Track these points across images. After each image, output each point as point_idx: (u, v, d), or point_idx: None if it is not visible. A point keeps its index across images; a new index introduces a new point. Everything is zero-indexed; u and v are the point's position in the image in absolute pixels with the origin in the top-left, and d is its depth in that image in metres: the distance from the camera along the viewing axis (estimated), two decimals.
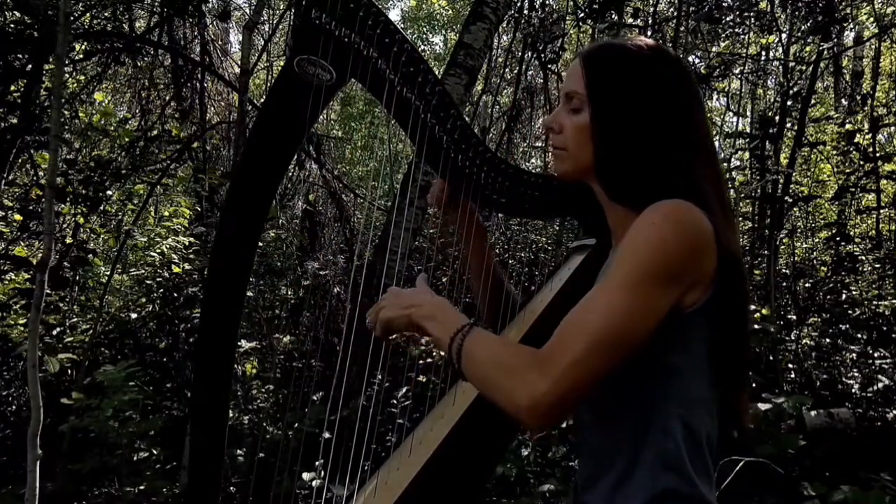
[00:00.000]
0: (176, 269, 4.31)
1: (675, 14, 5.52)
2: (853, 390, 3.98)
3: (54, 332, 3.76)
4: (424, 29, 13.34)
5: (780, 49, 5.70)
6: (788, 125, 5.01)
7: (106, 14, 4.37)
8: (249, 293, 4.12)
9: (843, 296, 4.66)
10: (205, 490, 0.98)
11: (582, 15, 5.36)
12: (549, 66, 6.11)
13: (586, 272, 1.16)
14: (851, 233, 5.09)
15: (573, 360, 0.77)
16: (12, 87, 3.69)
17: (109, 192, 3.91)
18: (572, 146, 0.96)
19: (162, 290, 4.45)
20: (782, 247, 5.24)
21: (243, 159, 1.03)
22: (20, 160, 3.95)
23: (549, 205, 1.14)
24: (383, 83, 1.03)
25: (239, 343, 3.50)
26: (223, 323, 1.00)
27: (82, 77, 5.00)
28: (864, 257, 4.77)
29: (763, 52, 6.45)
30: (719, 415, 0.90)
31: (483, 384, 0.85)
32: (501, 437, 1.10)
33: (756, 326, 4.10)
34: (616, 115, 0.91)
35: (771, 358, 3.98)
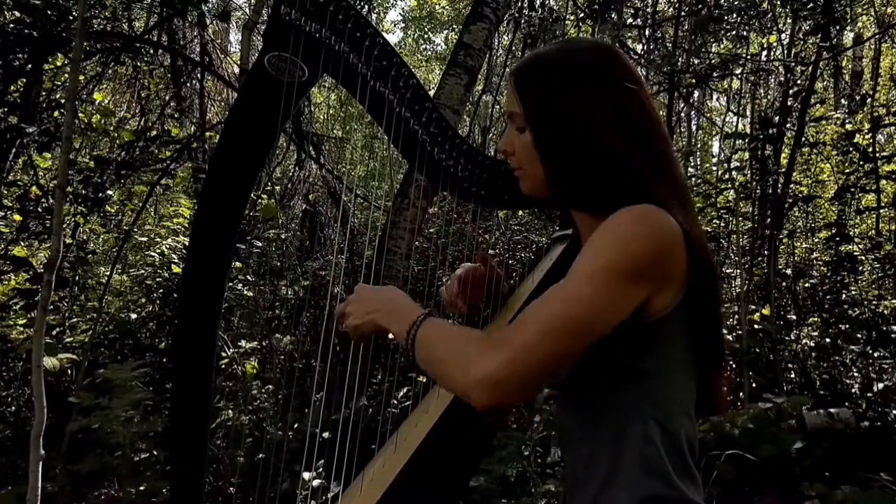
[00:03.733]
0: (176, 269, 4.31)
1: (675, 14, 5.52)
2: (853, 390, 3.98)
3: (54, 332, 3.76)
4: (426, 28, 13.34)
5: (781, 49, 5.70)
6: (788, 125, 5.00)
7: (106, 14, 4.36)
8: (249, 293, 4.12)
9: (843, 296, 4.66)
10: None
11: (582, 15, 5.36)
12: None
13: (564, 264, 1.16)
14: (851, 233, 5.09)
15: (526, 343, 0.78)
16: (11, 87, 3.69)
17: (109, 192, 3.91)
18: (526, 165, 0.96)
19: (162, 291, 4.45)
20: (782, 247, 5.23)
21: (214, 160, 1.02)
22: (20, 160, 3.94)
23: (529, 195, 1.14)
24: (356, 78, 1.03)
25: (239, 343, 3.50)
26: (201, 326, 0.98)
27: (82, 77, 5.00)
28: (863, 257, 4.77)
29: (763, 52, 6.45)
30: (697, 403, 0.91)
31: (434, 366, 0.85)
32: (485, 429, 1.10)
33: (756, 326, 4.10)
34: (552, 128, 0.90)
35: (771, 358, 3.98)
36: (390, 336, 0.94)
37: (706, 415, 0.90)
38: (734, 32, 5.49)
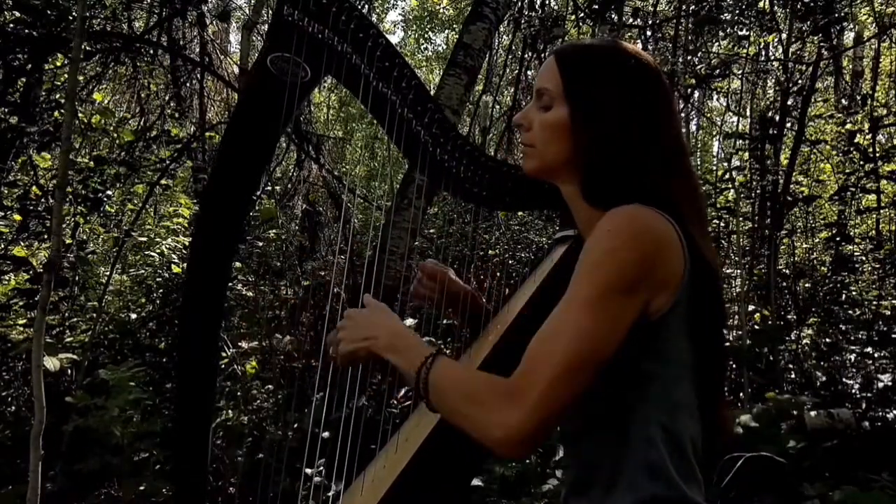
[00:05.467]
0: (176, 269, 4.31)
1: (675, 14, 5.52)
2: (853, 390, 3.98)
3: (54, 332, 3.76)
4: (426, 28, 13.34)
5: (780, 49, 5.70)
6: (788, 125, 5.01)
7: (106, 14, 4.36)
8: (249, 293, 4.12)
9: (843, 296, 4.66)
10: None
11: (582, 15, 5.36)
12: None
13: (566, 265, 1.16)
14: (851, 233, 5.09)
15: (543, 390, 0.77)
16: (11, 88, 3.68)
17: (109, 193, 3.91)
18: (539, 143, 0.95)
19: (162, 291, 4.45)
20: (782, 247, 5.23)
21: (217, 161, 1.02)
22: (20, 160, 3.94)
23: (530, 196, 1.13)
24: (359, 78, 1.03)
25: (239, 343, 3.49)
26: (204, 327, 0.98)
27: (82, 77, 5.00)
28: (864, 257, 4.77)
29: (763, 52, 6.45)
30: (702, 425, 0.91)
31: (454, 417, 0.84)
32: None
33: (756, 326, 4.10)
34: (594, 114, 0.91)
35: (771, 358, 3.98)
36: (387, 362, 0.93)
37: (710, 436, 0.90)
38: (730, 30, 5.49)
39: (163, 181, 4.36)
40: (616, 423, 0.86)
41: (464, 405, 0.82)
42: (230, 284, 3.97)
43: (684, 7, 5.24)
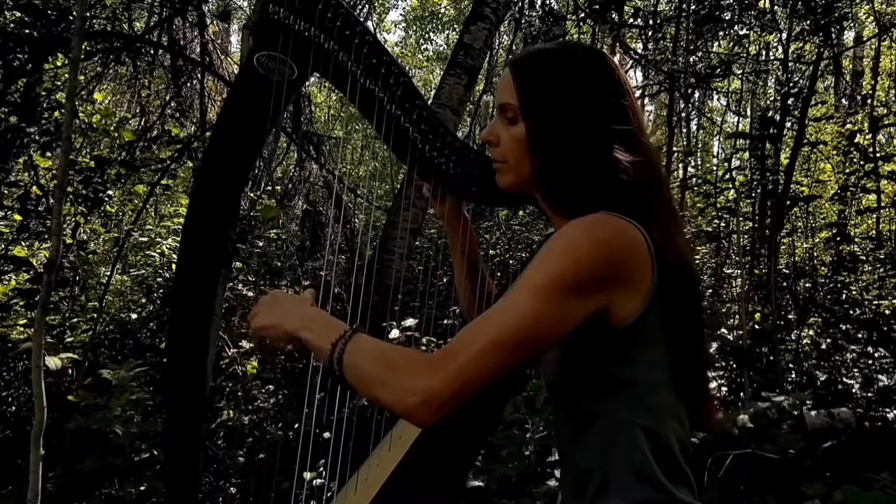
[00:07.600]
0: None
1: (675, 14, 5.52)
2: (853, 390, 3.98)
3: (54, 332, 3.76)
4: (427, 28, 13.34)
5: (780, 49, 5.70)
6: (788, 125, 5.01)
7: (106, 14, 4.37)
8: (249, 293, 4.12)
9: (843, 296, 4.66)
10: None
11: (582, 15, 5.36)
12: None
13: None
14: (851, 233, 5.09)
15: (469, 359, 0.77)
16: (11, 87, 3.69)
17: (110, 192, 3.91)
18: (511, 158, 0.94)
19: (162, 291, 4.45)
20: (782, 247, 5.23)
21: (205, 160, 1.02)
22: (21, 160, 3.95)
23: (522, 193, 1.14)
24: (346, 76, 1.02)
25: (239, 343, 3.50)
26: (194, 324, 0.98)
27: (82, 77, 5.01)
28: (864, 257, 4.77)
29: (763, 52, 6.45)
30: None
31: (369, 384, 0.82)
32: (480, 428, 1.10)
33: (756, 326, 4.10)
34: (550, 125, 0.89)
35: (771, 358, 3.98)
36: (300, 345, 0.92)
37: (695, 429, 0.91)
38: (731, 30, 5.49)
39: (163, 181, 4.37)
40: (601, 429, 0.86)
41: (382, 372, 0.81)
42: (230, 285, 3.97)
43: (684, 7, 5.24)
